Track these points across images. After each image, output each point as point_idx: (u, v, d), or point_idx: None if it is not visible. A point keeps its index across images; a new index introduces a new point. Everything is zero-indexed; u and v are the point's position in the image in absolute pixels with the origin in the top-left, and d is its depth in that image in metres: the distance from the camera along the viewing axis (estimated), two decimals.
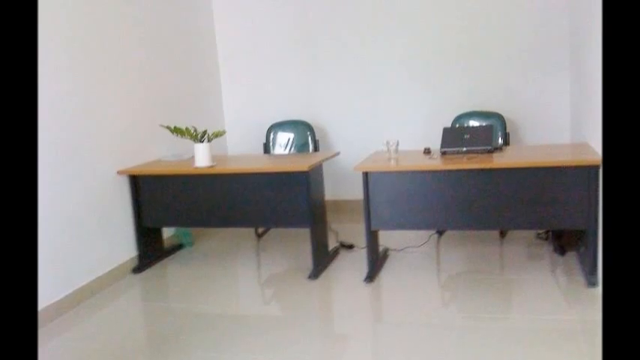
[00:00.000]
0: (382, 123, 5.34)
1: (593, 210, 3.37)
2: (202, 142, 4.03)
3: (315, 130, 5.22)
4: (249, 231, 5.04)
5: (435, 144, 3.97)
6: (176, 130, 4.04)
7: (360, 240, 4.11)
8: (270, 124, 5.34)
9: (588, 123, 3.89)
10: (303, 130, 5.22)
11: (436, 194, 3.66)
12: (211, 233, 5.15)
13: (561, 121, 4.91)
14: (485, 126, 4.11)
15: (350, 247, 4.46)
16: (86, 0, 3.92)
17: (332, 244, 4.40)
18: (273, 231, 5.06)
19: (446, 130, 3.97)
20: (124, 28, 4.33)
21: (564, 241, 4.01)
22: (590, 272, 3.43)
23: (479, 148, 3.77)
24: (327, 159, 4.19)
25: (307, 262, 4.05)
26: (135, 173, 4.22)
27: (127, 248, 4.25)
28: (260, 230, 5.01)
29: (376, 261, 3.96)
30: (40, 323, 3.34)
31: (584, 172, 3.35)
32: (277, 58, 5.56)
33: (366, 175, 3.73)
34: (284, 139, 5.26)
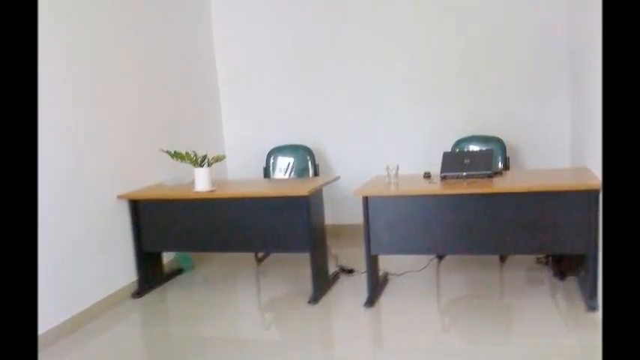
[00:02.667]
0: (382, 147, 5.36)
1: (593, 234, 3.36)
2: (202, 166, 4.05)
3: (315, 154, 5.24)
4: (249, 256, 5.02)
5: (435, 168, 3.98)
6: (176, 155, 4.06)
7: (360, 264, 4.10)
8: (270, 149, 5.37)
9: (588, 147, 3.91)
10: (303, 154, 5.24)
11: (436, 219, 3.66)
12: (211, 258, 5.14)
13: (561, 146, 4.93)
14: (485, 150, 4.13)
15: (350, 271, 4.44)
16: (86, 25, 3.98)
17: (332, 269, 4.39)
18: (273, 256, 5.05)
19: (446, 155, 3.99)
20: (124, 52, 4.38)
21: (564, 265, 4.00)
22: (590, 297, 3.42)
23: (479, 172, 3.78)
24: (327, 183, 4.20)
25: (307, 286, 4.04)
26: (135, 198, 4.23)
27: (126, 273, 4.24)
28: (260, 255, 5.00)
29: (376, 285, 3.95)
30: (40, 348, 3.31)
31: (584, 196, 3.36)
32: (277, 82, 5.61)
33: (365, 199, 3.73)
34: (284, 164, 5.28)
